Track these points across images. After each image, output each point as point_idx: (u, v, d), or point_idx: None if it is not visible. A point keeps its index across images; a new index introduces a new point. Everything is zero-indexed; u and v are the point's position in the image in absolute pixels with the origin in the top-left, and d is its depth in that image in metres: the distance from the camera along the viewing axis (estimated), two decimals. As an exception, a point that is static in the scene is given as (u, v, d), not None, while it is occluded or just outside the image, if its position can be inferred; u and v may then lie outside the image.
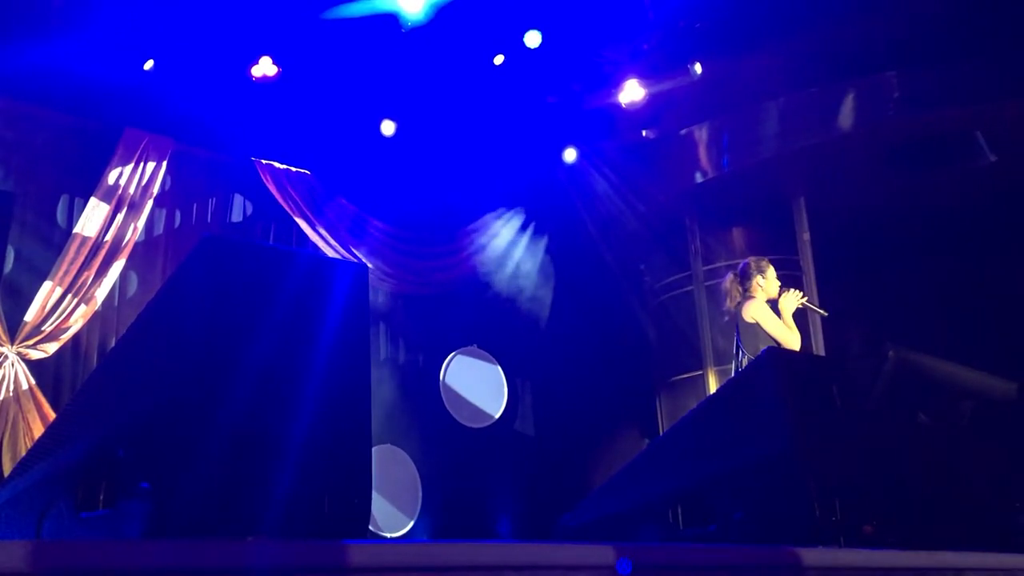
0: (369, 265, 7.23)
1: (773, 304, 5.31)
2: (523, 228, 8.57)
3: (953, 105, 6.66)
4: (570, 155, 8.12)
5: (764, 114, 7.36)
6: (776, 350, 2.88)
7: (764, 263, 5.47)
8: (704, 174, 7.72)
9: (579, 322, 8.57)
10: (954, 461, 3.03)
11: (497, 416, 8.06)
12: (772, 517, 2.66)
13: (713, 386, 7.75)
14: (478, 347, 8.15)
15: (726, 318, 5.58)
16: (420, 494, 7.35)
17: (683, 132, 7.85)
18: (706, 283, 8.13)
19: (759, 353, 4.74)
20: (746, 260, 5.58)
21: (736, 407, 3.01)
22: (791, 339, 5.18)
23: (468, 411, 7.93)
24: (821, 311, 5.44)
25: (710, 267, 8.16)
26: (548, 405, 8.56)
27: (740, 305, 5.34)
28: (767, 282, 5.38)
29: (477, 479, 7.78)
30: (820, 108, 7.10)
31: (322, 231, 7.31)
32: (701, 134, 7.76)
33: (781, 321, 5.23)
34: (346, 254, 7.24)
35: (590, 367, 8.43)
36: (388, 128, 7.47)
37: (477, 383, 8.06)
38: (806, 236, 7.84)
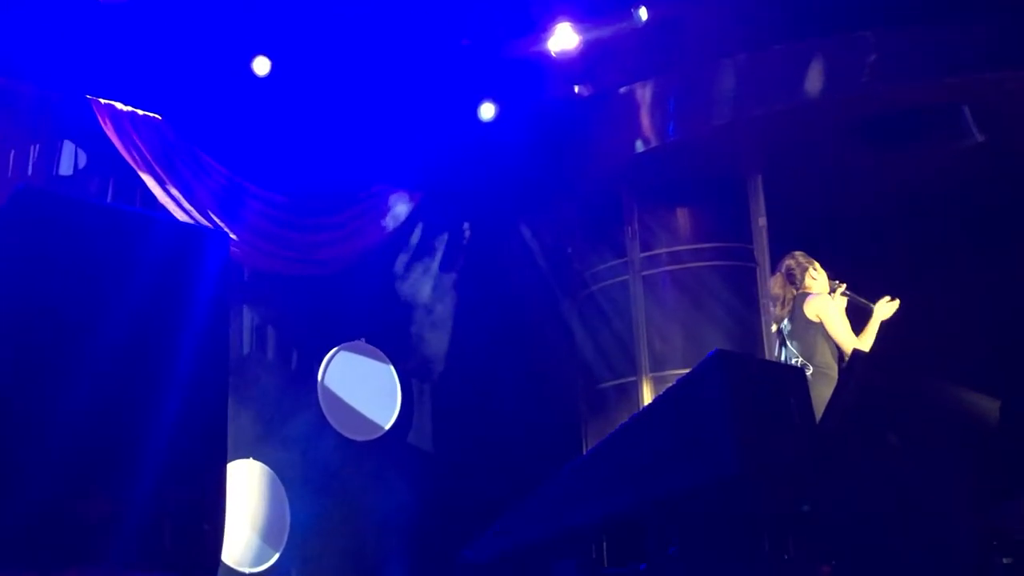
0: (232, 235, 7.10)
1: None
2: (428, 197, 8.51)
3: (938, 73, 6.86)
4: (487, 111, 8.09)
5: (719, 74, 7.46)
6: (724, 352, 2.91)
7: (804, 256, 5.92)
8: (646, 142, 7.79)
9: (491, 315, 8.56)
10: (927, 491, 3.12)
11: (387, 427, 8.00)
12: (714, 553, 2.69)
13: (648, 396, 7.84)
14: (366, 342, 8.06)
15: (774, 327, 6.03)
16: (288, 520, 7.25)
17: (623, 90, 7.89)
18: (643, 272, 8.22)
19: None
20: (784, 261, 6.01)
21: (675, 420, 3.03)
22: (854, 344, 5.54)
23: (351, 420, 7.85)
24: (869, 304, 5.80)
25: (649, 253, 8.24)
26: (450, 414, 8.54)
27: (799, 301, 5.74)
28: (819, 274, 5.86)
29: (360, 503, 7.71)
30: (784, 70, 7.23)
31: (173, 191, 7.13)
32: (644, 94, 7.83)
33: (847, 323, 5.65)
34: (203, 220, 7.08)
35: (502, 369, 8.43)
36: (261, 66, 7.30)
37: (364, 386, 7.98)
38: (762, 221, 8.00)
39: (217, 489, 2.33)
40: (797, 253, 6.01)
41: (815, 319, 5.67)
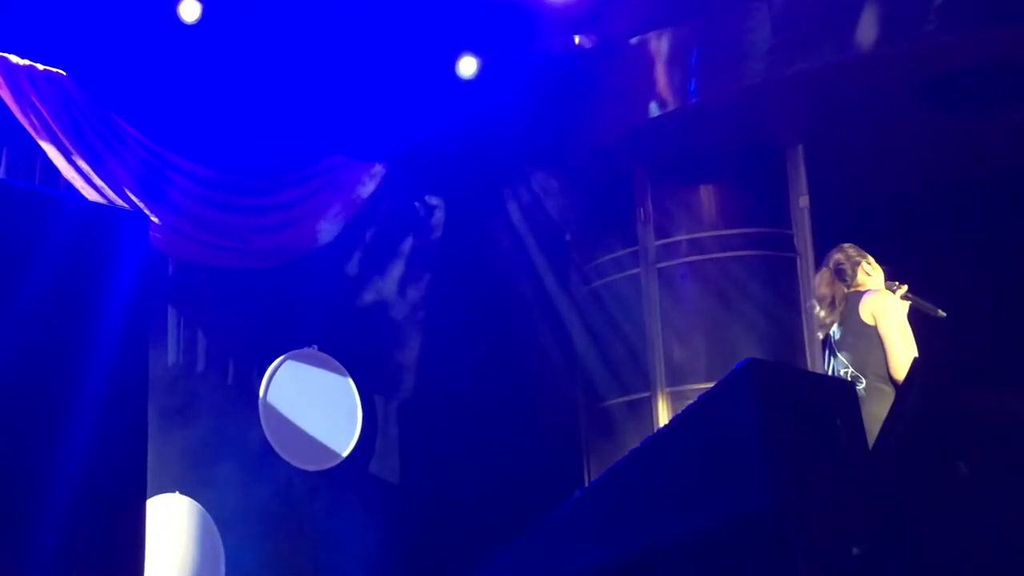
0: (153, 218, 7.10)
1: None
2: (395, 172, 8.52)
3: (1018, 22, 6.87)
4: (467, 67, 8.09)
5: (751, 21, 7.47)
6: (756, 362, 2.91)
7: (855, 250, 5.96)
8: (662, 105, 7.81)
9: (472, 317, 8.58)
10: (1005, 531, 3.12)
11: (345, 454, 8.02)
12: (744, 607, 2.70)
13: (664, 415, 7.86)
14: (318, 350, 8.09)
15: (819, 334, 6.12)
16: (223, 569, 7.26)
17: (634, 41, 7.91)
18: (658, 264, 8.23)
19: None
20: (831, 255, 6.05)
21: (697, 445, 3.04)
22: (907, 357, 5.48)
23: (301, 445, 7.87)
24: (938, 311, 5.84)
25: (665, 241, 8.26)
26: (421, 438, 8.55)
27: (852, 301, 5.78)
28: (875, 269, 5.90)
29: (311, 547, 7.72)
30: (830, 16, 7.24)
31: (81, 163, 7.14)
32: (659, 46, 7.84)
33: (907, 330, 5.65)
34: (117, 200, 7.07)
35: (485, 384, 8.45)
36: (190, 11, 7.30)
37: (316, 404, 8.01)
38: (803, 201, 8.01)
39: (135, 532, 2.33)
40: (846, 246, 6.02)
41: (870, 321, 5.65)
